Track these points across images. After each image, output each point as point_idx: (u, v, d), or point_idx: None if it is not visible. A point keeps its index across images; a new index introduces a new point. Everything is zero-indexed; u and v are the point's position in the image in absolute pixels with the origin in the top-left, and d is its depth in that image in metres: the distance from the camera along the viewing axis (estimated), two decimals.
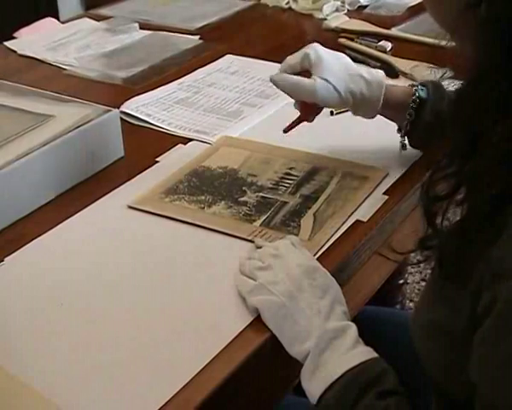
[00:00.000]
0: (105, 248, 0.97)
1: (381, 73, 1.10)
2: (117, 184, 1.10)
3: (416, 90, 1.09)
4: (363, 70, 1.09)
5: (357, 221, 1.00)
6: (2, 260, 0.94)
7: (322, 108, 1.13)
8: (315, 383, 0.78)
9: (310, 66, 1.06)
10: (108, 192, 1.08)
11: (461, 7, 0.65)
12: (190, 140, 1.23)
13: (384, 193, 1.06)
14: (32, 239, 0.98)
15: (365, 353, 0.79)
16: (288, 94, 1.10)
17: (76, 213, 1.03)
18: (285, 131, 1.14)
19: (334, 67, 1.06)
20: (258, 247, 0.93)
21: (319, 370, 0.78)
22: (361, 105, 1.08)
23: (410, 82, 1.17)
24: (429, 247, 0.74)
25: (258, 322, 0.83)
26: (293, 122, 1.13)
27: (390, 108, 1.10)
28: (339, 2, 1.82)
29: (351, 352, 0.78)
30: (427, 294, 0.78)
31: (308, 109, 1.11)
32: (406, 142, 1.13)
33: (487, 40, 0.64)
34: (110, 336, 0.82)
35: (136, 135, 1.26)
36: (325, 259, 0.92)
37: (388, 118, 1.13)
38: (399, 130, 1.13)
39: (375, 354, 0.79)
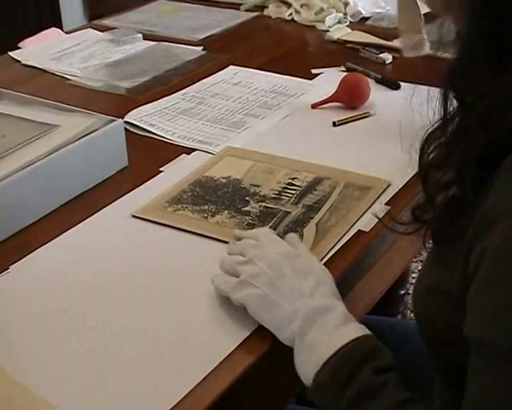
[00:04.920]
0: (109, 257, 0.98)
1: None
2: (121, 193, 1.11)
3: None
4: None
5: (360, 231, 1.01)
6: (8, 268, 0.95)
7: None
8: (307, 364, 0.77)
9: None
10: (112, 201, 1.09)
11: None
12: (194, 150, 1.24)
13: (386, 203, 1.06)
14: (37, 247, 0.99)
15: (357, 329, 0.78)
16: None
17: (80, 222, 1.04)
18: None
19: None
20: (238, 239, 0.93)
21: (308, 350, 0.77)
22: None
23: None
24: (424, 220, 0.75)
25: (261, 330, 0.83)
26: None
27: None
28: (341, 14, 1.84)
29: (341, 329, 0.77)
30: (425, 263, 0.78)
31: None
32: None
33: (475, 10, 0.65)
34: (113, 344, 0.82)
35: (140, 145, 1.27)
36: (327, 268, 0.92)
37: None
38: None
39: (368, 331, 0.79)
